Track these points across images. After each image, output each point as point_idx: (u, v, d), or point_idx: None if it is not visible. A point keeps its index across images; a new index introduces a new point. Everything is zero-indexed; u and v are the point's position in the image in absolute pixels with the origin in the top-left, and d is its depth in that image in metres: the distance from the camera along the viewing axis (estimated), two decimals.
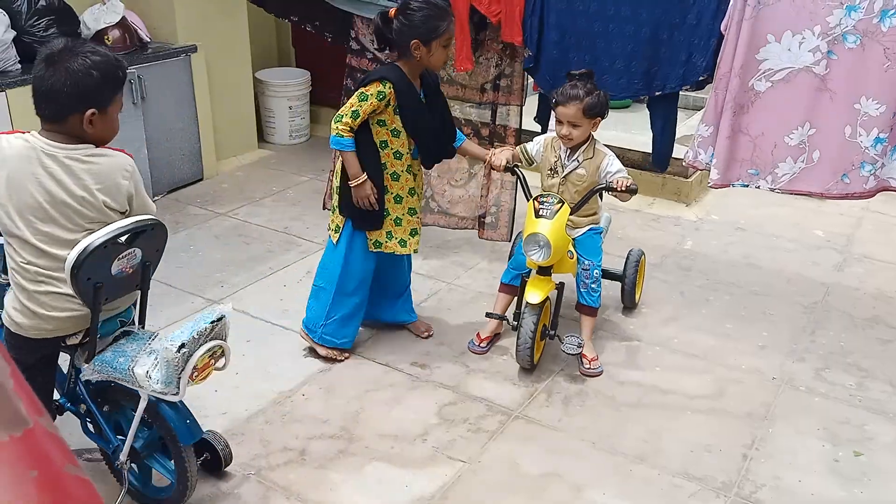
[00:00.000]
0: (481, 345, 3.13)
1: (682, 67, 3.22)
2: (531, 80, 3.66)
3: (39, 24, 3.97)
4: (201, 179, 4.77)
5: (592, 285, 3.00)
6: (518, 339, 2.90)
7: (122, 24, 4.30)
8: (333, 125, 2.72)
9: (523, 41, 3.43)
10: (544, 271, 2.90)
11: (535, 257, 2.81)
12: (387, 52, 2.95)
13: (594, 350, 3.06)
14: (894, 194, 3.08)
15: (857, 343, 3.29)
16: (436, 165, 3.06)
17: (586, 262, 2.98)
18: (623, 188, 2.83)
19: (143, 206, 2.12)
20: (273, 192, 4.66)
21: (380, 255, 2.95)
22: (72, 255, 1.94)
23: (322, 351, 3.04)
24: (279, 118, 5.42)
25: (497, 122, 3.67)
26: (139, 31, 4.41)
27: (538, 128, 3.80)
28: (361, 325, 3.13)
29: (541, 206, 2.82)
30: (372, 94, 2.68)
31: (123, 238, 2.01)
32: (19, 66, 3.92)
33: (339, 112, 2.73)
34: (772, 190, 3.15)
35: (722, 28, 3.03)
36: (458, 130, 3.02)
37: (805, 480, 2.50)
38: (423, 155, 2.89)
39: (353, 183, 2.76)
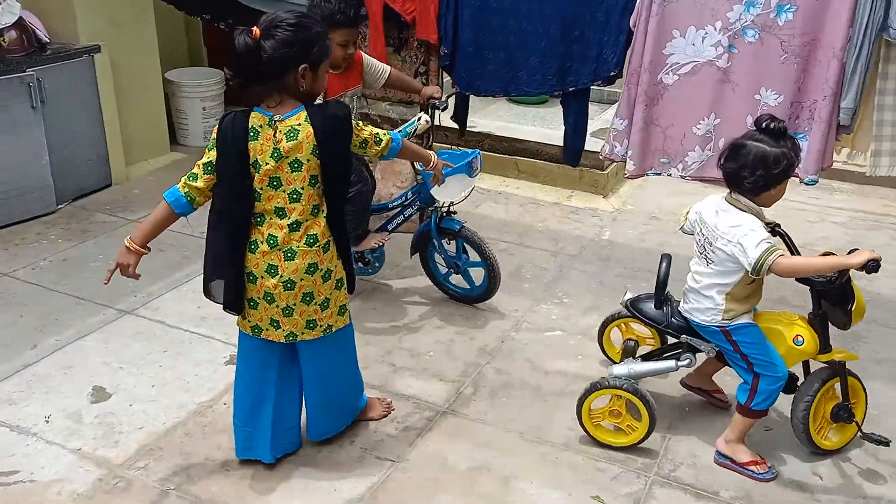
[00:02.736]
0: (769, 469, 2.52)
1: (593, 63, 3.30)
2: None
3: None
4: (110, 185, 4.57)
5: None
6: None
7: (20, 24, 4.09)
8: None
9: (438, 39, 3.44)
10: None
11: None
12: None
13: None
14: (795, 180, 3.22)
15: None
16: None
17: None
18: None
19: None
20: None
21: None
22: None
23: None
24: (192, 120, 5.26)
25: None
26: (37, 31, 4.20)
27: (449, 123, 3.78)
28: None
29: None
30: None
31: None
32: None
33: None
34: (682, 177, 3.26)
35: (630, 24, 3.13)
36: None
37: None
38: None
39: None
